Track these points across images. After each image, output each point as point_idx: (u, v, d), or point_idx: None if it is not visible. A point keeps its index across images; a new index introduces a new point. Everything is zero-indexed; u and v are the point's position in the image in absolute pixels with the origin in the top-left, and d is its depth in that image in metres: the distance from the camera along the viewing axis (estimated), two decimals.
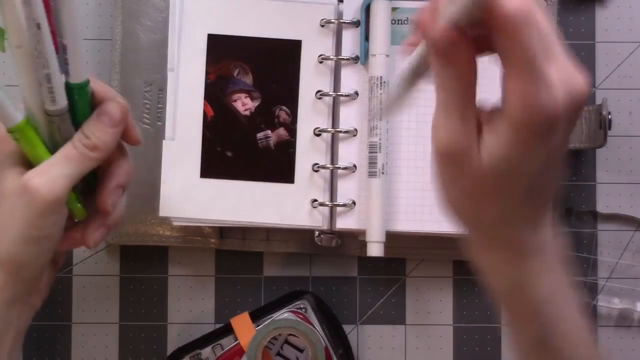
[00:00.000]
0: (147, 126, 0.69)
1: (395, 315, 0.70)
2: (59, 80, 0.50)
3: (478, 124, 0.41)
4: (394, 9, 0.66)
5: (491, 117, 0.41)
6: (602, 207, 0.70)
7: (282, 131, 0.67)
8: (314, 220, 0.67)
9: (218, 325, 0.69)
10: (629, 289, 0.70)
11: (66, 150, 0.51)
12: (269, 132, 0.67)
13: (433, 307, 0.70)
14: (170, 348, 0.70)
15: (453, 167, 0.42)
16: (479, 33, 0.40)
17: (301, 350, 0.66)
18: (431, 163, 0.43)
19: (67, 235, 0.54)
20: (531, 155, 0.40)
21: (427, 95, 0.67)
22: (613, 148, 0.70)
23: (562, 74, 0.39)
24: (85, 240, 0.55)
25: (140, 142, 0.56)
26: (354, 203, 0.66)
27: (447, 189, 0.44)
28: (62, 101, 0.50)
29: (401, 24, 0.67)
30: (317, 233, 0.68)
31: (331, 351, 0.66)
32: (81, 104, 0.52)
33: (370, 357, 0.70)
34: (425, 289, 0.70)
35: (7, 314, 0.52)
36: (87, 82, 0.51)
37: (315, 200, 0.67)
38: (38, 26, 0.46)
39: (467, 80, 0.42)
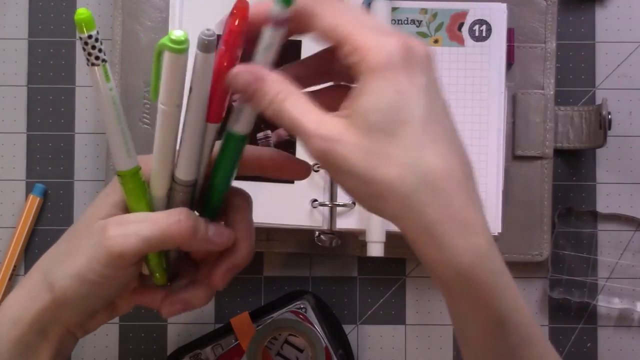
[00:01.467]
0: (147, 126, 0.69)
1: (395, 315, 0.70)
2: (196, 154, 0.47)
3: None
4: (394, 9, 0.66)
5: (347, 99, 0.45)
6: (602, 207, 0.70)
7: (282, 131, 0.67)
8: (314, 220, 0.67)
9: (218, 326, 0.69)
10: (629, 289, 0.70)
11: (160, 216, 0.48)
12: (269, 132, 0.67)
13: (433, 307, 0.70)
14: (170, 348, 0.70)
15: (338, 155, 0.43)
16: None
17: (301, 350, 0.66)
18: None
19: (143, 291, 0.53)
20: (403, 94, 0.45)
21: None
22: (613, 148, 0.70)
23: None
24: (159, 308, 0.52)
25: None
26: (353, 203, 0.66)
27: (350, 176, 0.44)
28: (192, 175, 0.48)
29: (401, 24, 0.67)
30: (317, 233, 0.68)
31: (331, 351, 0.66)
32: (215, 197, 0.50)
33: (370, 357, 0.70)
34: (425, 289, 0.70)
35: (43, 330, 0.51)
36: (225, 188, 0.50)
37: (315, 200, 0.67)
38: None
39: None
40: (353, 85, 0.44)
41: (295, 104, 0.44)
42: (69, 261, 0.49)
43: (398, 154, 0.42)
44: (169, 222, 0.47)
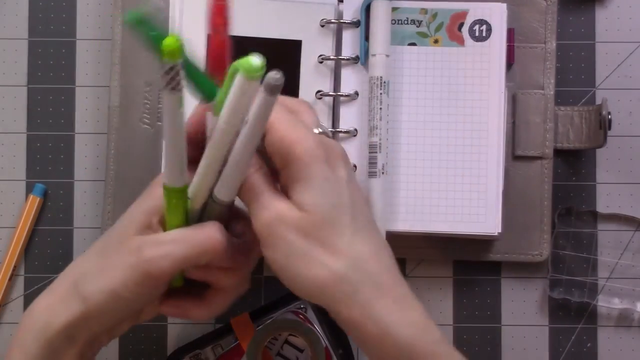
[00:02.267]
0: (147, 126, 0.69)
1: None
2: (239, 180, 0.49)
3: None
4: (394, 9, 0.66)
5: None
6: (602, 207, 0.70)
7: None
8: None
9: (218, 326, 0.69)
10: (629, 289, 0.70)
11: (194, 234, 0.50)
12: None
13: (433, 307, 0.70)
14: (170, 348, 0.70)
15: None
16: None
17: (301, 351, 0.66)
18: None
19: (170, 302, 0.54)
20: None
21: (426, 95, 0.67)
22: (613, 148, 0.70)
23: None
24: (160, 303, 0.55)
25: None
26: None
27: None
28: (231, 197, 0.50)
29: (401, 24, 0.67)
30: None
31: (331, 351, 0.66)
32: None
33: None
34: (425, 289, 0.70)
35: (72, 336, 0.52)
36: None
37: None
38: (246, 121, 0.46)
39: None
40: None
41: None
42: (103, 277, 0.50)
43: (334, 242, 0.47)
44: (202, 239, 0.49)
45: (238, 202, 0.52)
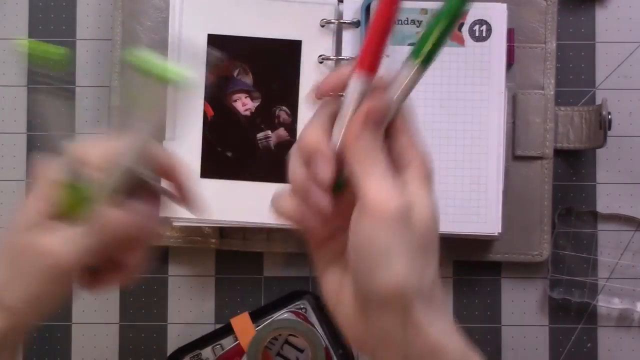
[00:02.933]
0: None
1: None
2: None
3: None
4: None
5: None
6: (602, 207, 0.70)
7: (282, 131, 0.67)
8: None
9: (218, 326, 0.69)
10: (629, 289, 0.70)
11: (97, 220, 0.50)
12: (269, 132, 0.67)
13: None
14: (171, 348, 0.70)
15: (400, 227, 0.45)
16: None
17: (301, 351, 0.66)
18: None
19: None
20: None
21: (426, 95, 0.67)
22: (613, 148, 0.70)
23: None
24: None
25: (190, 204, 0.55)
26: None
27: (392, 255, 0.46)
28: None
29: (401, 24, 0.67)
30: None
31: (331, 351, 0.66)
32: None
33: None
34: None
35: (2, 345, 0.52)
36: None
37: None
38: None
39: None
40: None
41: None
42: (20, 285, 0.50)
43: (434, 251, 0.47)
44: (105, 224, 0.49)
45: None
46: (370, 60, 0.45)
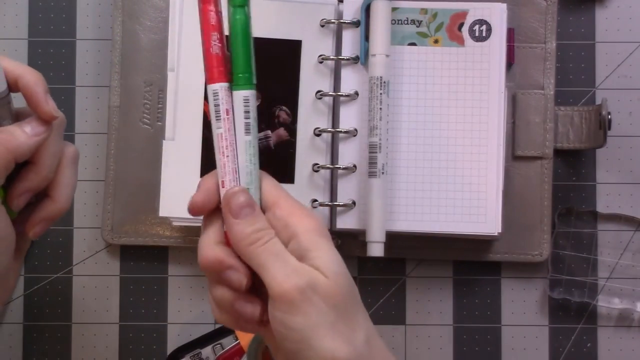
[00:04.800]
0: (147, 126, 0.69)
1: (395, 315, 0.70)
2: None
3: None
4: (394, 9, 0.66)
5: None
6: (602, 207, 0.70)
7: (282, 131, 0.67)
8: None
9: (218, 325, 0.69)
10: (629, 289, 0.70)
11: None
12: (269, 132, 0.67)
13: (433, 307, 0.70)
14: (170, 348, 0.70)
15: (309, 305, 0.46)
16: None
17: None
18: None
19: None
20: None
21: (426, 95, 0.67)
22: (613, 148, 0.70)
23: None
24: (26, 233, 0.52)
25: (54, 116, 0.51)
26: (354, 203, 0.66)
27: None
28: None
29: (401, 24, 0.67)
30: None
31: None
32: None
33: None
34: (425, 289, 0.70)
35: None
36: None
37: (316, 200, 0.67)
38: None
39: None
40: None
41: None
42: None
43: (355, 316, 0.47)
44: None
45: None
46: (215, 71, 0.49)
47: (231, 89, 0.49)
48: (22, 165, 0.50)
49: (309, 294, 0.45)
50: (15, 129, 0.49)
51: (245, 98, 0.49)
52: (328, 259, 0.47)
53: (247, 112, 0.49)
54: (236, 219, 0.47)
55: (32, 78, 0.51)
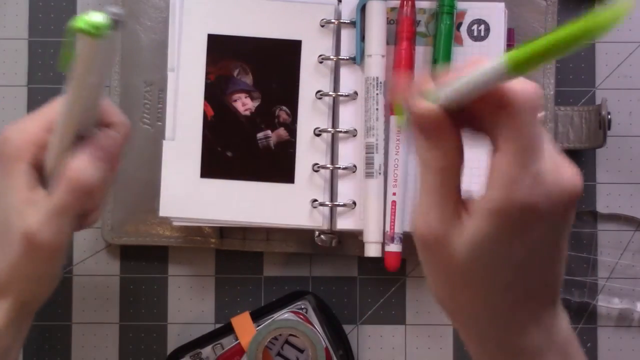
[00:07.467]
0: (147, 126, 0.69)
1: (395, 315, 0.70)
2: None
3: (460, 208, 0.40)
4: (392, 9, 0.66)
5: (473, 202, 0.39)
6: (602, 207, 0.70)
7: (282, 131, 0.67)
8: (314, 220, 0.67)
9: (218, 326, 0.69)
10: (629, 289, 0.70)
11: (59, 198, 0.49)
12: (269, 132, 0.67)
13: (433, 307, 0.70)
14: (170, 348, 0.70)
15: (430, 253, 0.40)
16: (467, 112, 0.39)
17: (301, 351, 0.66)
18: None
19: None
20: (510, 246, 0.38)
21: None
22: (613, 148, 0.70)
23: (553, 166, 0.38)
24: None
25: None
26: (354, 203, 0.66)
27: (429, 275, 0.42)
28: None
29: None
30: (317, 233, 0.68)
31: (331, 351, 0.66)
32: None
33: (370, 357, 0.70)
34: (425, 289, 0.70)
35: (15, 333, 0.53)
36: None
37: (315, 200, 0.67)
38: None
39: (452, 162, 0.40)
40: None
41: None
42: (16, 271, 0.51)
43: None
44: (66, 191, 0.49)
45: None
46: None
47: None
48: None
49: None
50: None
51: None
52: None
53: None
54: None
55: (122, 130, 0.53)
